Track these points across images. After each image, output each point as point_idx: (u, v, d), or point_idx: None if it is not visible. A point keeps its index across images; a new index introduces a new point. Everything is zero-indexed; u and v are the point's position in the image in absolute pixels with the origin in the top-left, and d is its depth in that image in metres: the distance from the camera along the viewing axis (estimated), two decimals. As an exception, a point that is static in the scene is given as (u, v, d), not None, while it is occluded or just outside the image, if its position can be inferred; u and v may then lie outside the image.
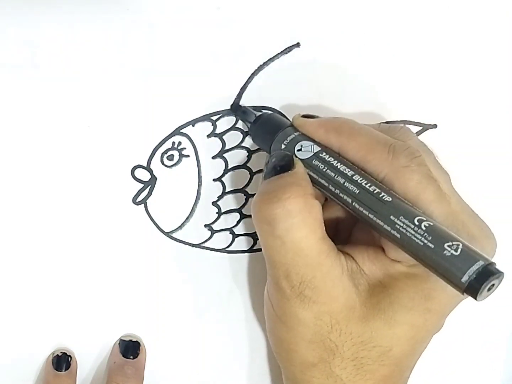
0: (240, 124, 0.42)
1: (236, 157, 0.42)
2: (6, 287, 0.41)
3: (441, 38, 0.43)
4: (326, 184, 0.36)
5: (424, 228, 0.32)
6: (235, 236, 0.43)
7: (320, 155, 0.36)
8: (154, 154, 0.41)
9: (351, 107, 0.43)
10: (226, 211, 0.42)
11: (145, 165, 0.41)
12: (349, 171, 0.35)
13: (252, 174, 0.42)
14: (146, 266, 0.42)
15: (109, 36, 0.40)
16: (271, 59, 0.42)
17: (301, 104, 0.42)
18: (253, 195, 0.42)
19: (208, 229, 0.42)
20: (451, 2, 0.42)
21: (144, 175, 0.41)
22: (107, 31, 0.40)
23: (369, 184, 0.34)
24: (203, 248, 0.42)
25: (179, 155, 0.42)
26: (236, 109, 0.41)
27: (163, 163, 0.41)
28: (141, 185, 0.41)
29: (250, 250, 0.43)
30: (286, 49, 0.42)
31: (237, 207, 0.42)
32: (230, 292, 0.43)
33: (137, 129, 0.41)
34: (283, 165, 0.36)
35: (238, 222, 0.43)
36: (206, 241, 0.42)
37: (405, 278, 0.35)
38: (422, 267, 0.33)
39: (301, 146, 0.37)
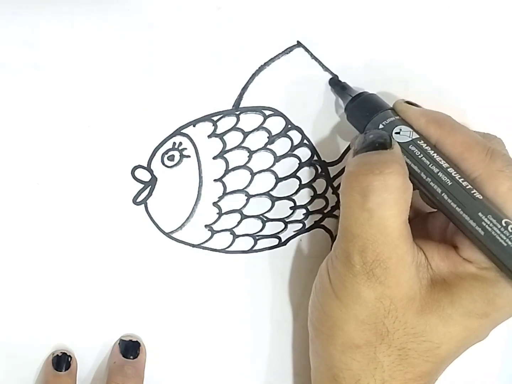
0: (241, 124, 0.42)
1: (237, 158, 0.42)
2: (7, 287, 0.41)
3: (442, 36, 0.43)
4: (418, 171, 0.36)
5: (510, 230, 0.33)
6: (235, 236, 0.43)
7: (418, 142, 0.36)
8: (155, 155, 0.41)
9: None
10: (227, 211, 0.42)
11: (145, 165, 0.41)
12: (444, 163, 0.35)
13: (253, 174, 0.42)
14: (146, 267, 0.42)
15: (109, 37, 0.40)
16: (272, 59, 0.42)
17: (302, 104, 0.42)
18: (253, 195, 0.42)
19: (208, 230, 0.42)
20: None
21: (144, 175, 0.41)
22: (107, 32, 0.40)
23: (462, 179, 0.35)
24: (203, 249, 0.42)
25: (179, 155, 0.41)
26: (335, 84, 0.41)
27: (163, 164, 0.41)
28: (142, 186, 0.41)
29: (250, 251, 0.43)
30: (286, 49, 0.42)
31: (238, 208, 0.42)
32: (230, 292, 0.43)
33: (137, 129, 0.41)
34: (382, 143, 0.35)
35: (238, 223, 0.42)
36: (206, 241, 0.42)
37: (472, 279, 0.35)
38: (493, 271, 0.34)
39: (400, 129, 0.37)
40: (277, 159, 0.42)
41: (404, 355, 0.36)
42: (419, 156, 0.36)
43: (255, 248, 0.43)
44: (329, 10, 0.42)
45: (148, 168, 0.41)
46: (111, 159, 0.41)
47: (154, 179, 0.41)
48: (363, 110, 0.39)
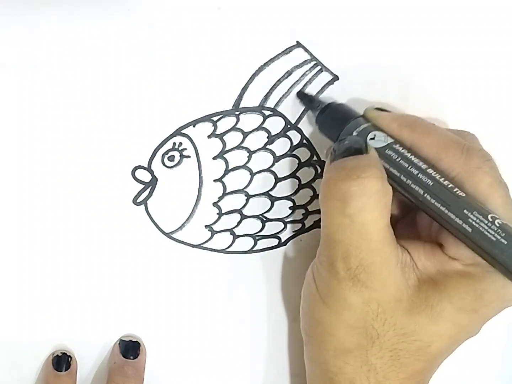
0: (240, 124, 0.42)
1: (236, 158, 0.42)
2: (7, 287, 0.41)
3: (441, 37, 0.43)
4: (398, 174, 0.36)
5: (497, 225, 0.33)
6: (235, 236, 0.43)
7: (394, 146, 0.36)
8: (155, 155, 0.41)
9: (350, 106, 0.43)
10: (227, 211, 0.42)
11: (146, 166, 0.41)
12: (422, 164, 0.35)
13: (252, 174, 0.42)
14: (146, 267, 0.42)
15: (109, 36, 0.40)
16: (271, 60, 0.42)
17: (300, 105, 0.42)
18: (253, 196, 0.42)
19: (208, 230, 0.42)
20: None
21: (144, 176, 0.41)
22: (107, 31, 0.40)
23: (442, 178, 0.35)
24: (203, 249, 0.42)
25: (179, 155, 0.41)
26: (302, 97, 0.41)
27: (164, 164, 0.41)
28: (142, 186, 0.41)
29: (250, 251, 0.43)
30: (286, 49, 0.42)
31: (238, 208, 0.42)
32: (230, 292, 0.43)
33: (137, 130, 0.41)
34: (358, 148, 0.35)
35: (238, 223, 0.42)
36: (206, 241, 0.42)
37: (459, 276, 0.36)
38: (479, 267, 0.34)
39: (374, 135, 0.37)
40: (276, 159, 0.42)
41: (396, 356, 0.36)
42: (397, 160, 0.36)
43: (255, 248, 0.43)
44: (328, 10, 0.42)
45: (149, 169, 0.41)
46: (112, 160, 0.41)
47: (154, 180, 0.41)
48: (334, 120, 0.39)
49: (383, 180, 0.34)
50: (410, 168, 0.35)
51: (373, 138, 0.36)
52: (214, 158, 0.42)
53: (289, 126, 0.42)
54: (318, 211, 0.43)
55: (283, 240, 0.43)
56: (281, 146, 0.42)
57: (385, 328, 0.35)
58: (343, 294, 0.35)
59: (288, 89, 0.42)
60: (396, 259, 0.35)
